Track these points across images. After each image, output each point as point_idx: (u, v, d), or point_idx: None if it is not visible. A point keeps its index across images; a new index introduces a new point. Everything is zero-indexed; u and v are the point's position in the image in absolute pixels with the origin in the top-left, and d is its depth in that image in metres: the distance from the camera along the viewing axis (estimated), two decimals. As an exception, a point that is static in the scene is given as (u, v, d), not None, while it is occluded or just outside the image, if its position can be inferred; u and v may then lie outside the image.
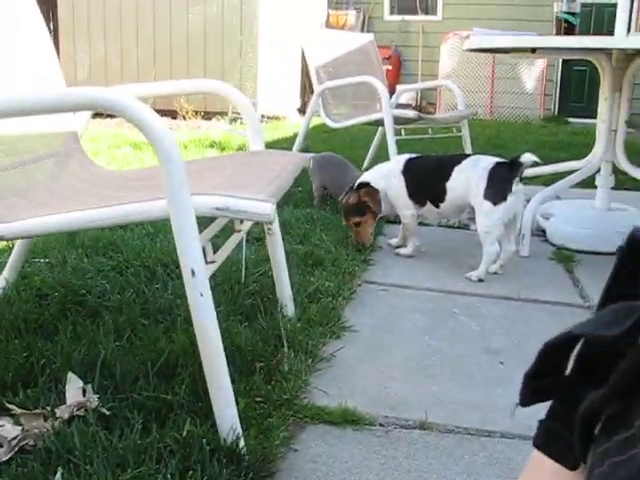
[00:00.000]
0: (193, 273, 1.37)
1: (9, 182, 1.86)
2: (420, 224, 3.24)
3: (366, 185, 3.13)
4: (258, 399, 1.69)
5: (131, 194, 1.72)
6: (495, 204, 2.79)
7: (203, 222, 1.47)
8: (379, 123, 4.53)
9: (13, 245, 2.43)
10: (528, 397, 0.52)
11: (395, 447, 1.61)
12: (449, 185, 2.95)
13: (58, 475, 1.34)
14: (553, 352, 0.49)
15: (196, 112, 8.76)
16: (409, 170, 3.09)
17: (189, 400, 1.61)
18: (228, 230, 1.89)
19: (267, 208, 1.40)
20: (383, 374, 1.96)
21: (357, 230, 3.13)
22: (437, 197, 3.00)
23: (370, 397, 1.83)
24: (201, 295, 1.38)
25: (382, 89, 4.28)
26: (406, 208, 3.10)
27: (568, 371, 0.50)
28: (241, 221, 1.89)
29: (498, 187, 2.80)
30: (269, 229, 2.13)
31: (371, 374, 1.96)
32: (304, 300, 2.34)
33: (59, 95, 1.43)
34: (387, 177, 3.12)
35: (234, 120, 8.46)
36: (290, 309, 2.23)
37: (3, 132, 1.92)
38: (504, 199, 2.79)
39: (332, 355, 2.05)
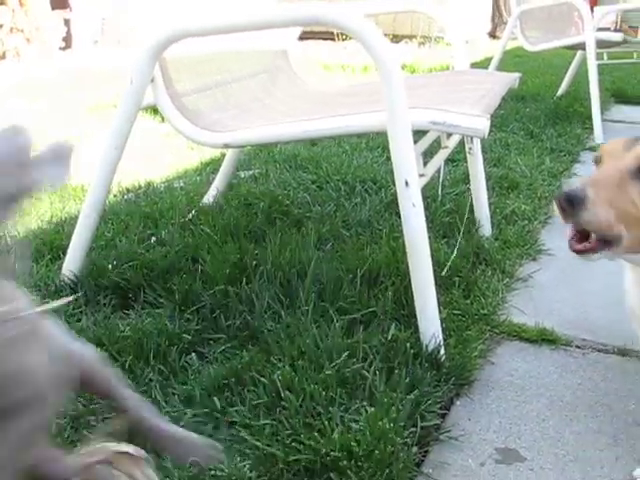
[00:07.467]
0: (407, 183, 1.42)
1: (230, 95, 1.97)
2: None
3: None
4: (456, 312, 1.73)
5: (342, 109, 1.78)
6: None
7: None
8: (577, 47, 4.34)
9: (223, 157, 2.59)
10: None
11: (593, 369, 1.61)
12: None
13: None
14: None
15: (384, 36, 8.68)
16: None
17: (392, 307, 1.69)
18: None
19: (482, 123, 1.41)
20: (581, 299, 1.94)
21: None
22: None
23: (567, 320, 1.82)
24: (413, 205, 1.44)
25: (585, 10, 4.07)
26: None
27: None
28: (447, 137, 1.91)
29: None
30: (470, 149, 2.14)
31: (568, 298, 1.95)
32: (501, 221, 2.34)
33: (285, 11, 1.51)
34: None
35: (422, 44, 8.35)
36: (487, 229, 2.24)
37: (224, 50, 2.03)
38: None
39: (529, 276, 2.05)
